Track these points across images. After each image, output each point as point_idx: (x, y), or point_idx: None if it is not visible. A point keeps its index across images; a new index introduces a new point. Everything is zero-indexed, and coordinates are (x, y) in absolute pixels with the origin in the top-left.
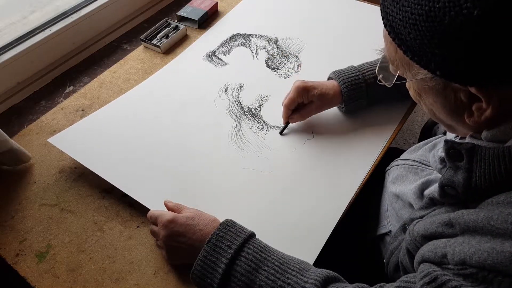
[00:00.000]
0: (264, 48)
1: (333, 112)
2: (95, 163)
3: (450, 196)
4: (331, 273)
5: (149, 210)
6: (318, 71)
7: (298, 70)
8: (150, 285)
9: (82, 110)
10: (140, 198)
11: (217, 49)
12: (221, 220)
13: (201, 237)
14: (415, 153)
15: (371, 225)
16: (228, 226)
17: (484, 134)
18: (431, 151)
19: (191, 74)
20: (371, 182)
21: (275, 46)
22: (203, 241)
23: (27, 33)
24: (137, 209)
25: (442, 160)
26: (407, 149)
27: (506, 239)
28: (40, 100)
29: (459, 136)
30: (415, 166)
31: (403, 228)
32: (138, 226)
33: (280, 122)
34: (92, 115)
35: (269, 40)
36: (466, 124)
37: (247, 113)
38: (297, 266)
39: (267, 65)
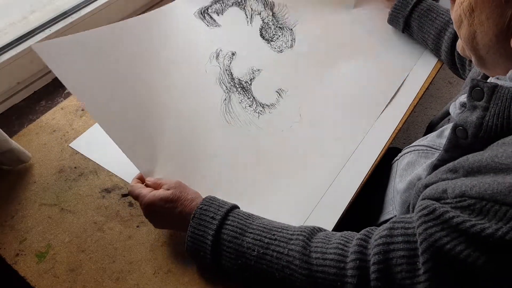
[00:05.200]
0: (260, 14)
1: (329, 111)
2: (78, 87)
3: (458, 144)
4: (317, 226)
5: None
6: (312, 49)
7: (292, 46)
8: (150, 285)
9: (82, 110)
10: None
11: (210, 6)
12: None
13: (183, 214)
14: (424, 140)
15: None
16: (211, 200)
17: (510, 73)
18: (439, 136)
19: (182, 31)
20: (371, 181)
21: (271, 14)
22: (186, 218)
23: (27, 33)
24: (137, 209)
25: (462, 105)
26: None
27: (509, 173)
28: (40, 100)
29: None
30: (425, 151)
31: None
32: (138, 226)
33: (269, 100)
34: (82, 34)
35: (265, 4)
36: (503, 55)
37: (237, 86)
38: (282, 224)
39: (261, 35)
